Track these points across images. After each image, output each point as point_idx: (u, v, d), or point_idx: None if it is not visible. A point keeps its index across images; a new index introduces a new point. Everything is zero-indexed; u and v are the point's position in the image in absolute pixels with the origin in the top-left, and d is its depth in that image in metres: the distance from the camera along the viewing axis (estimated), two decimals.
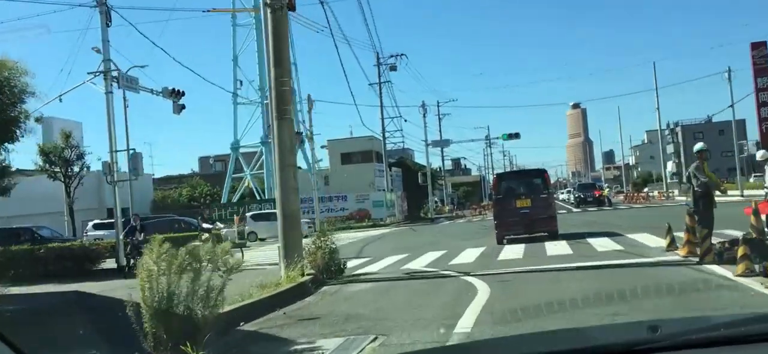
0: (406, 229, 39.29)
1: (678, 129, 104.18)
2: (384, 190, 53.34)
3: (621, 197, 64.48)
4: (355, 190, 50.03)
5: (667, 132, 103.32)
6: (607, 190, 54.79)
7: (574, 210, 47.97)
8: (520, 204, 19.87)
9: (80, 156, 42.23)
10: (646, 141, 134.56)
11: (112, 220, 27.41)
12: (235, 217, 39.68)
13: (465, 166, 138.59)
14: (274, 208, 43.34)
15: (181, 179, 66.90)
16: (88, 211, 46.29)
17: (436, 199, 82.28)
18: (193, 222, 33.38)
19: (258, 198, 51.12)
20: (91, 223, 37.80)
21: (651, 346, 1.98)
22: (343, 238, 30.43)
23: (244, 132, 52.02)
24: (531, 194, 20.09)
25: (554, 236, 19.39)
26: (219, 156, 76.89)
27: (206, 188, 59.35)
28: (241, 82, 49.74)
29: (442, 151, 69.16)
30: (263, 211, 40.88)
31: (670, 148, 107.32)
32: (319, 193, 49.58)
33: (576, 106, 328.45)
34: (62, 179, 42.59)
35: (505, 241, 19.42)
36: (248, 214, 39.21)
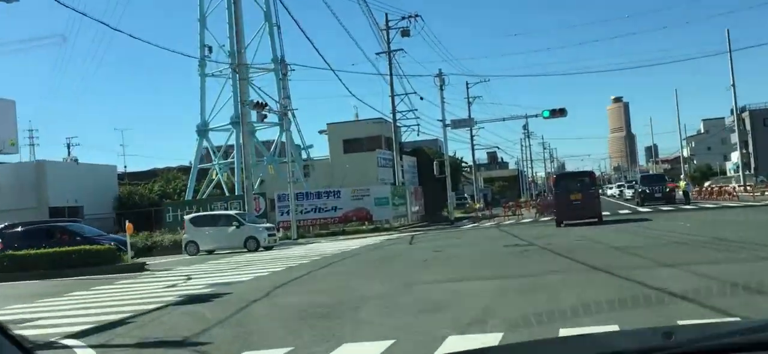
0: (407, 238, 28.03)
1: (745, 115, 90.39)
2: (391, 183, 42.15)
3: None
4: (362, 185, 38.91)
5: (731, 119, 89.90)
6: (684, 182, 42.66)
7: (640, 209, 36.18)
8: (574, 197, 25.84)
9: None
10: (702, 130, 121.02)
11: None
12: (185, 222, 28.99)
13: (501, 158, 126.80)
14: (240, 208, 32.56)
15: (154, 173, 56.66)
16: (21, 213, 35.97)
17: (465, 195, 70.85)
18: (85, 232, 22.79)
19: (226, 194, 40.38)
20: None
21: (665, 353, 1.94)
22: (282, 258, 19.59)
23: (214, 110, 41.27)
24: (582, 190, 26.10)
25: (600, 220, 25.27)
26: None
27: (181, 183, 48.91)
28: (209, 48, 39.04)
29: (470, 135, 57.47)
30: (208, 213, 30.04)
31: (734, 137, 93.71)
32: (306, 187, 38.58)
33: (617, 99, 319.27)
34: None
35: (563, 224, 25.39)
36: (186, 218, 28.43)
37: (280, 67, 34.92)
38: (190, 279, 16.13)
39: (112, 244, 21.28)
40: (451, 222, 41.17)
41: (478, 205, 58.66)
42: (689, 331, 2.25)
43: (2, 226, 24.65)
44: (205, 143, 42.80)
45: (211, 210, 33.49)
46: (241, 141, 31.97)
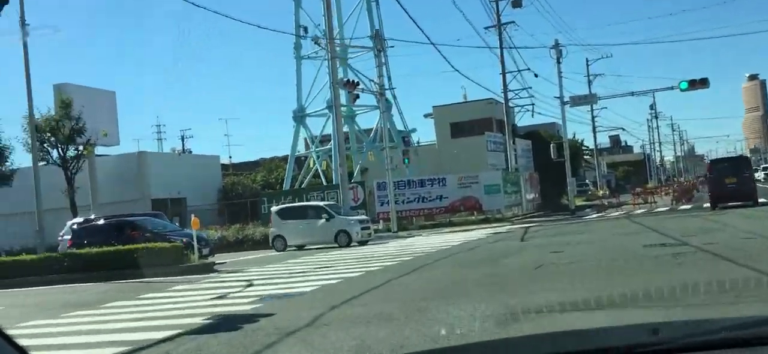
0: (520, 231, 24.15)
1: None
2: (503, 168, 38.12)
3: None
4: (471, 171, 35.26)
5: None
6: None
7: None
8: (728, 181, 26.56)
9: (80, 131, 31.43)
10: None
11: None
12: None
13: (625, 142, 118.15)
14: (326, 199, 29.86)
15: (259, 164, 55.53)
16: (123, 205, 35.26)
17: (587, 181, 65.23)
18: (155, 227, 20.75)
19: (324, 183, 37.89)
20: (69, 223, 26.38)
21: (651, 349, 1.96)
22: (372, 256, 16.57)
23: (311, 95, 38.83)
24: (736, 174, 27.00)
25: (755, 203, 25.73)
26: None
27: (283, 173, 47.22)
28: (305, 28, 36.60)
29: (591, 114, 52.15)
30: (296, 205, 27.46)
31: None
32: (408, 174, 35.41)
33: (753, 77, 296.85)
34: (59, 163, 32.11)
35: (718, 207, 25.77)
36: (273, 209, 25.99)
37: (377, 44, 31.83)
38: (249, 286, 13.38)
39: (184, 240, 19.03)
40: (572, 211, 36.62)
41: (601, 192, 53.27)
42: (676, 327, 2.28)
43: (77, 221, 23.30)
44: (303, 131, 40.64)
45: (308, 200, 31.08)
46: (335, 125, 29.28)
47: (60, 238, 25.53)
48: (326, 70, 35.66)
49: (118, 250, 17.22)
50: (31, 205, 36.22)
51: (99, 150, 39.33)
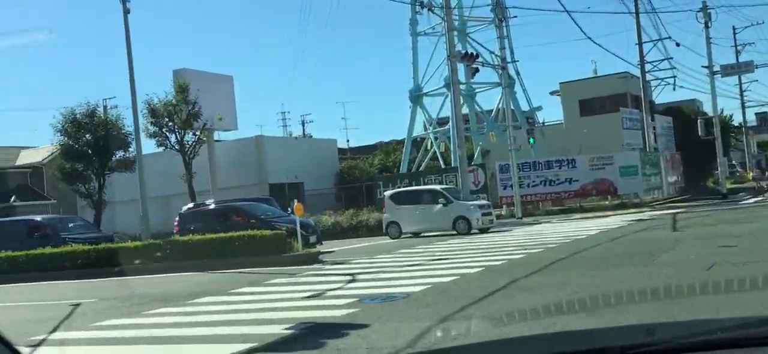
0: (666, 218, 20.95)
1: None
2: (640, 148, 34.36)
3: None
4: (603, 152, 32.04)
5: None
6: None
7: None
8: None
9: (197, 116, 31.23)
10: None
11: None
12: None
13: None
14: (445, 183, 27.75)
15: (374, 148, 54.21)
16: (242, 190, 35.01)
17: (733, 162, 58.98)
18: (261, 213, 19.58)
19: (442, 166, 35.70)
20: (185, 207, 26.00)
21: (646, 350, 1.94)
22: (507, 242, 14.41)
23: (428, 73, 36.72)
24: None
25: None
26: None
27: (401, 155, 45.61)
28: (421, 3, 34.52)
29: (740, 88, 46.52)
30: (410, 189, 25.55)
31: None
32: (533, 156, 32.62)
33: None
34: (176, 147, 32.14)
35: None
36: (386, 194, 24.25)
37: (498, 13, 29.24)
38: (351, 282, 11.64)
39: (288, 227, 17.64)
40: (724, 195, 32.39)
41: (751, 174, 47.65)
42: (672, 328, 2.24)
43: (189, 207, 22.73)
44: (420, 112, 38.71)
45: (425, 184, 29.19)
46: (453, 102, 27.09)
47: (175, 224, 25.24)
48: (443, 45, 33.47)
49: (219, 238, 16.08)
50: (156, 190, 36.88)
51: (219, 136, 39.58)
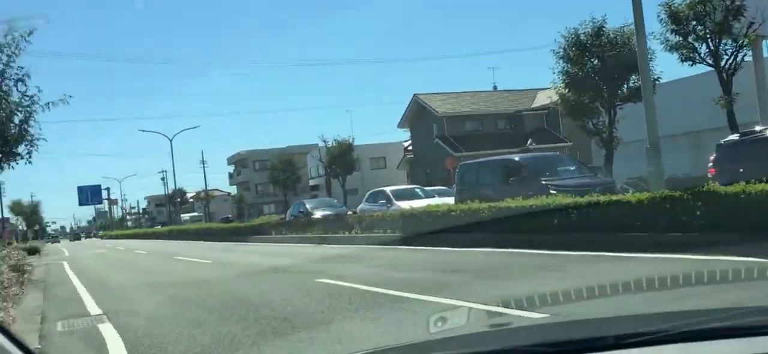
0: None
1: None
2: None
3: None
4: None
5: None
6: None
7: None
8: None
9: (737, 12, 21.97)
10: None
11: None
12: None
13: None
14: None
15: None
16: None
17: None
18: None
19: None
20: (728, 138, 17.78)
21: (639, 340, 1.90)
22: None
23: None
24: None
25: None
26: None
27: None
28: None
29: None
30: None
31: None
32: None
33: None
34: (710, 61, 23.33)
35: None
36: None
37: None
38: None
39: None
40: None
41: None
42: (663, 318, 2.22)
43: (730, 137, 14.63)
44: None
45: None
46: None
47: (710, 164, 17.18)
48: None
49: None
50: (681, 124, 28.71)
51: None
